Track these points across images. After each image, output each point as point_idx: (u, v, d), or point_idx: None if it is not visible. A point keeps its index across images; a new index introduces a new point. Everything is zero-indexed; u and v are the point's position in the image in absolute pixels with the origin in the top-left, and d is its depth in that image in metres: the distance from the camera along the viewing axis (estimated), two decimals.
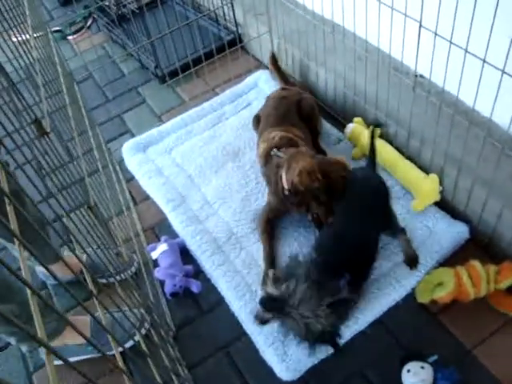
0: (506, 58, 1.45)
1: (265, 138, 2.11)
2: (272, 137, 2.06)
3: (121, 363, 0.91)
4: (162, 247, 2.06)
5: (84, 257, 1.95)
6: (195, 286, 1.97)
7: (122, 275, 1.92)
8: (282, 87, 2.45)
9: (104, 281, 1.93)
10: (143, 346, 1.53)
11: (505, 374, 1.63)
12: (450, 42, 1.62)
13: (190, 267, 2.03)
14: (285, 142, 2.01)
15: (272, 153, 1.99)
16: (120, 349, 1.74)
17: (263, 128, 2.22)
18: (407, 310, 1.81)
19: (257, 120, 2.34)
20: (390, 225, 1.88)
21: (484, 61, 1.53)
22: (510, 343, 1.70)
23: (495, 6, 1.39)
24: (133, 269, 2.02)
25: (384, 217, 1.85)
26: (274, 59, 2.62)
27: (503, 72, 1.49)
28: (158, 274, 2.00)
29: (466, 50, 1.58)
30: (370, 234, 1.78)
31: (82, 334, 0.76)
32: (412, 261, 1.89)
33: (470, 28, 1.51)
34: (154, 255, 2.07)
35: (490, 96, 1.58)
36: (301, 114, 2.25)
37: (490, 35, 1.46)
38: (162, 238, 2.11)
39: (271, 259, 1.96)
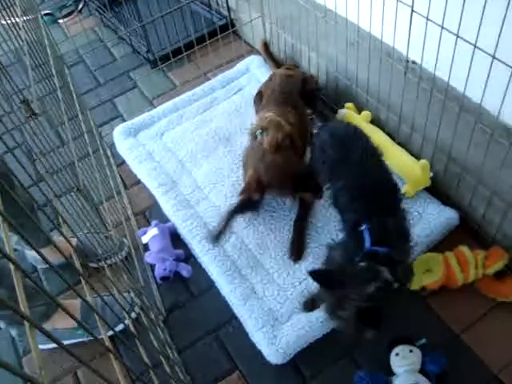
0: (497, 43, 1.44)
1: (260, 115, 2.12)
2: (265, 117, 2.06)
3: (110, 346, 0.91)
4: (153, 231, 2.06)
5: (74, 241, 1.95)
6: (185, 271, 1.97)
7: (112, 259, 1.93)
8: (286, 66, 2.44)
9: (94, 265, 1.94)
10: (132, 329, 1.54)
11: (492, 358, 1.66)
12: (442, 27, 1.62)
13: (180, 251, 2.03)
14: (272, 126, 1.99)
15: (257, 133, 1.99)
16: (110, 332, 1.75)
17: (265, 104, 2.21)
18: (396, 294, 1.81)
19: (259, 96, 2.32)
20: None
21: (475, 46, 1.53)
22: (497, 328, 1.72)
23: None
24: (123, 253, 2.02)
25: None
26: (266, 45, 2.61)
27: (493, 57, 1.48)
28: (148, 258, 2.01)
29: (458, 35, 1.57)
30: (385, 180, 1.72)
31: (72, 316, 0.76)
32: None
33: (462, 13, 1.50)
34: (145, 239, 2.08)
35: (481, 82, 1.58)
36: (304, 93, 2.25)
37: (481, 20, 1.45)
38: (153, 223, 2.11)
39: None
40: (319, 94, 2.39)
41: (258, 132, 2.00)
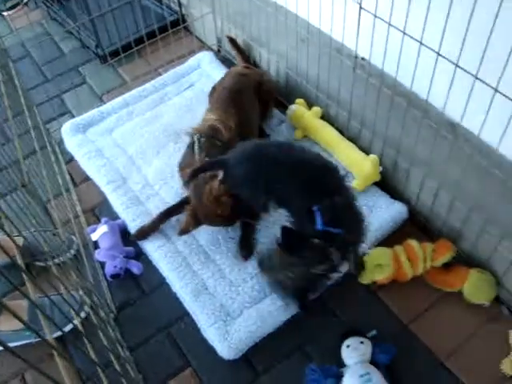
0: (441, 39, 1.48)
1: (204, 116, 2.10)
2: (206, 119, 2.05)
3: (57, 346, 0.89)
4: (103, 229, 2.02)
5: (21, 240, 1.90)
6: (136, 268, 1.95)
7: (61, 258, 1.89)
8: (245, 65, 2.41)
9: (43, 264, 1.89)
10: (81, 328, 1.51)
11: (439, 347, 1.70)
12: (389, 24, 1.65)
13: (130, 248, 2.00)
14: (209, 133, 1.98)
15: (195, 138, 1.98)
16: (59, 332, 1.71)
17: (213, 102, 2.18)
18: (347, 286, 1.84)
19: (213, 93, 2.29)
20: None
21: (421, 43, 1.57)
22: (443, 317, 1.76)
23: None
24: (72, 251, 1.98)
25: None
26: (233, 41, 2.57)
27: (438, 54, 1.52)
28: (98, 255, 1.97)
29: (404, 32, 1.61)
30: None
31: (18, 317, 0.74)
32: None
33: (408, 10, 1.54)
34: (94, 237, 2.04)
35: (427, 78, 1.62)
36: (260, 95, 2.23)
37: (426, 17, 1.49)
38: (103, 220, 2.07)
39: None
40: (275, 95, 2.38)
41: (196, 137, 1.99)
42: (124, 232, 2.06)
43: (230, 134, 2.00)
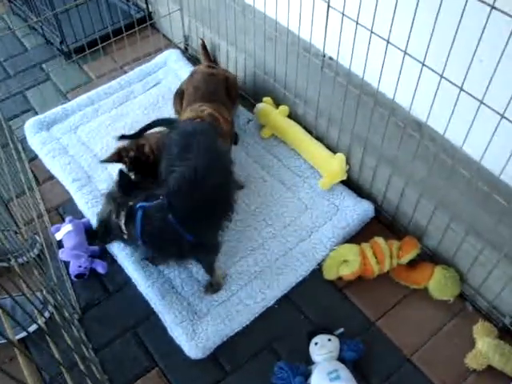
0: (408, 39, 1.50)
1: (193, 108, 2.03)
2: (201, 110, 2.00)
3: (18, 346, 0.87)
4: (67, 228, 1.98)
5: None
6: (101, 267, 1.91)
7: (24, 257, 1.85)
8: (207, 64, 2.35)
9: (5, 264, 1.84)
10: (45, 328, 1.47)
11: (405, 343, 1.72)
12: (357, 23, 1.66)
13: (95, 248, 1.97)
14: (210, 120, 1.95)
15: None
16: (23, 333, 1.67)
17: (190, 101, 2.11)
18: (314, 285, 1.85)
19: (180, 95, 2.23)
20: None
21: (388, 42, 1.58)
22: (409, 314, 1.78)
23: None
24: (35, 251, 1.93)
25: None
26: (205, 46, 2.55)
27: (405, 53, 1.54)
28: (62, 255, 1.93)
29: (372, 31, 1.62)
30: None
31: None
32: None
33: (376, 8, 1.55)
34: (59, 236, 2.00)
35: (393, 77, 1.64)
36: (228, 93, 2.20)
37: (393, 16, 1.50)
38: (67, 219, 2.03)
39: None
40: (239, 91, 2.37)
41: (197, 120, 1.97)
42: (89, 230, 2.02)
43: (226, 126, 2.00)
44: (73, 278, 1.91)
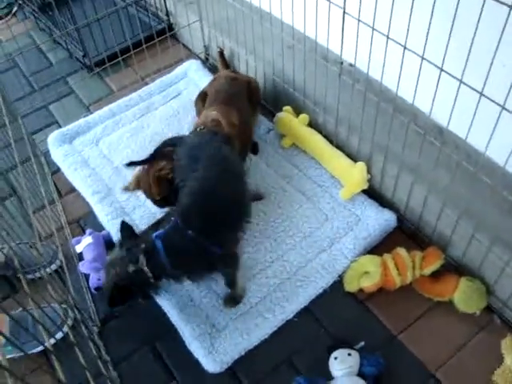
0: (425, 43, 1.46)
1: (205, 113, 2.05)
2: (209, 115, 2.02)
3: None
4: (87, 240, 1.98)
5: (4, 252, 1.87)
6: None
7: (44, 270, 1.85)
8: (230, 70, 2.37)
9: (32, 276, 1.85)
10: (72, 337, 1.47)
11: (428, 358, 1.66)
12: (373, 29, 1.62)
13: None
14: (212, 126, 1.94)
15: (197, 129, 1.95)
16: (40, 347, 1.67)
17: (210, 103, 2.13)
18: (334, 297, 1.81)
19: (202, 96, 2.25)
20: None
21: (405, 47, 1.54)
22: (433, 327, 1.72)
23: None
24: (57, 262, 1.94)
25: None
26: (222, 54, 2.55)
27: (423, 58, 1.50)
28: (82, 267, 1.93)
29: (388, 37, 1.58)
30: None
31: (2, 334, 0.71)
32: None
33: (391, 14, 1.51)
34: (79, 248, 2.00)
35: (412, 82, 1.59)
36: (250, 98, 2.20)
37: (409, 21, 1.46)
38: (87, 231, 2.03)
39: None
40: (261, 98, 2.36)
41: (199, 129, 1.96)
42: (109, 243, 2.02)
43: (231, 130, 1.98)
44: (92, 290, 1.90)
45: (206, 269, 1.70)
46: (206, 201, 1.64)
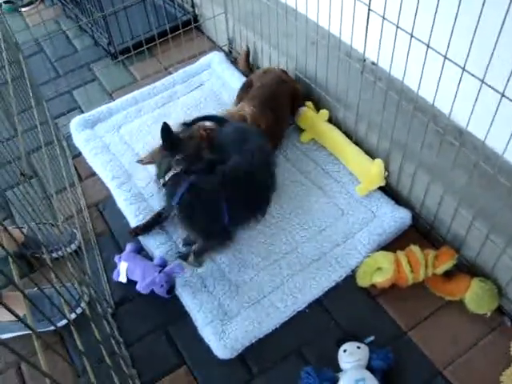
0: (448, 43, 1.46)
1: (241, 104, 2.14)
2: (240, 108, 2.11)
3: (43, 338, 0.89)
4: (123, 266, 1.91)
5: (25, 231, 1.91)
6: (178, 268, 1.84)
7: (60, 252, 1.89)
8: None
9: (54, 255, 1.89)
10: (89, 312, 1.50)
11: (438, 356, 1.67)
12: (397, 26, 1.63)
13: (158, 259, 1.92)
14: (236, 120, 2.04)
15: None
16: (60, 322, 1.71)
17: (251, 97, 2.19)
18: (347, 291, 1.83)
19: (248, 84, 2.31)
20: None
21: (428, 46, 1.55)
22: (444, 326, 1.74)
23: None
24: (76, 243, 1.98)
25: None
26: (248, 56, 2.58)
27: (445, 58, 1.51)
28: (141, 289, 1.85)
29: (412, 35, 1.59)
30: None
31: (12, 312, 0.74)
32: None
33: (416, 12, 1.52)
34: (123, 279, 1.92)
35: (434, 82, 1.60)
36: (292, 103, 2.26)
37: (434, 20, 1.47)
38: (116, 258, 1.96)
39: None
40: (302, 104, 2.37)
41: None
42: (140, 250, 2.01)
43: (263, 130, 2.04)
44: (166, 295, 1.86)
45: (205, 232, 1.83)
46: (247, 181, 1.81)
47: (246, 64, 2.59)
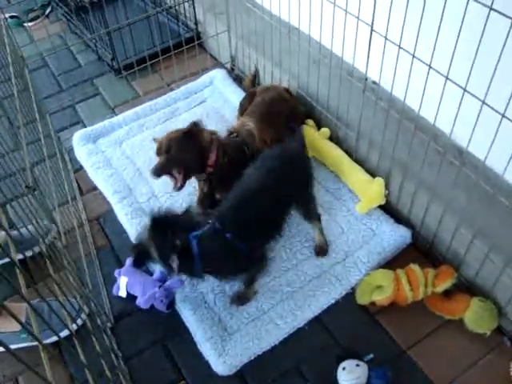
0: (450, 64, 1.48)
1: (242, 120, 2.14)
2: (245, 124, 2.10)
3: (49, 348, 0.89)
4: (123, 281, 1.91)
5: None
6: (177, 283, 1.85)
7: (67, 261, 1.88)
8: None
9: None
10: (90, 325, 1.49)
11: (437, 375, 1.67)
12: (399, 47, 1.66)
13: (157, 274, 1.92)
14: (246, 136, 2.05)
15: (231, 135, 2.04)
16: (55, 337, 1.70)
17: (252, 111, 2.21)
18: (346, 308, 1.83)
19: (250, 96, 2.33)
20: (306, 202, 1.90)
21: (430, 67, 1.57)
22: (443, 345, 1.73)
23: (441, 13, 1.43)
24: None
25: (302, 191, 1.88)
26: (254, 79, 2.60)
27: (447, 78, 1.53)
28: (141, 305, 1.87)
29: (414, 55, 1.61)
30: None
31: (16, 318, 0.75)
32: (321, 249, 1.96)
33: (418, 33, 1.54)
34: (123, 293, 1.92)
35: (435, 102, 1.62)
36: (293, 121, 2.25)
37: (435, 41, 1.49)
38: (116, 272, 1.97)
39: None
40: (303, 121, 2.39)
41: (233, 136, 2.05)
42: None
43: (263, 145, 2.04)
44: (166, 310, 1.86)
45: (236, 271, 1.76)
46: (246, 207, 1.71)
47: (252, 85, 2.61)
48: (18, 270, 0.91)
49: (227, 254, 1.66)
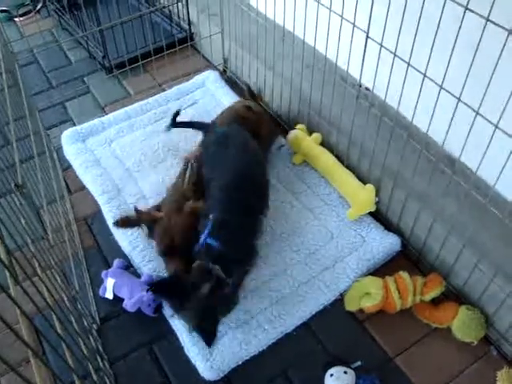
0: (445, 74, 1.49)
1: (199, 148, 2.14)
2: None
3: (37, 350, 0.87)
4: (110, 282, 1.89)
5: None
6: None
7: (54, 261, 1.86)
8: (245, 104, 2.30)
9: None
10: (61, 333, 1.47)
11: (424, 383, 1.67)
12: (394, 55, 1.66)
13: (145, 277, 1.90)
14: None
15: (188, 164, 2.03)
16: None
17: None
18: (335, 315, 1.83)
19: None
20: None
21: (424, 75, 1.57)
22: (430, 353, 1.74)
23: (438, 22, 1.43)
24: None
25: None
26: (250, 92, 2.56)
27: (441, 87, 1.53)
28: (128, 308, 1.85)
29: (409, 64, 1.61)
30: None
31: (8, 326, 0.73)
32: None
33: (414, 41, 1.55)
34: (110, 295, 1.90)
35: (428, 111, 1.62)
36: (258, 135, 2.16)
37: (431, 50, 1.50)
38: (102, 274, 1.94)
39: None
40: (275, 133, 2.36)
41: (190, 163, 2.02)
42: (126, 267, 1.99)
43: None
44: (153, 315, 1.85)
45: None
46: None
47: (252, 98, 2.56)
48: (6, 271, 0.90)
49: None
